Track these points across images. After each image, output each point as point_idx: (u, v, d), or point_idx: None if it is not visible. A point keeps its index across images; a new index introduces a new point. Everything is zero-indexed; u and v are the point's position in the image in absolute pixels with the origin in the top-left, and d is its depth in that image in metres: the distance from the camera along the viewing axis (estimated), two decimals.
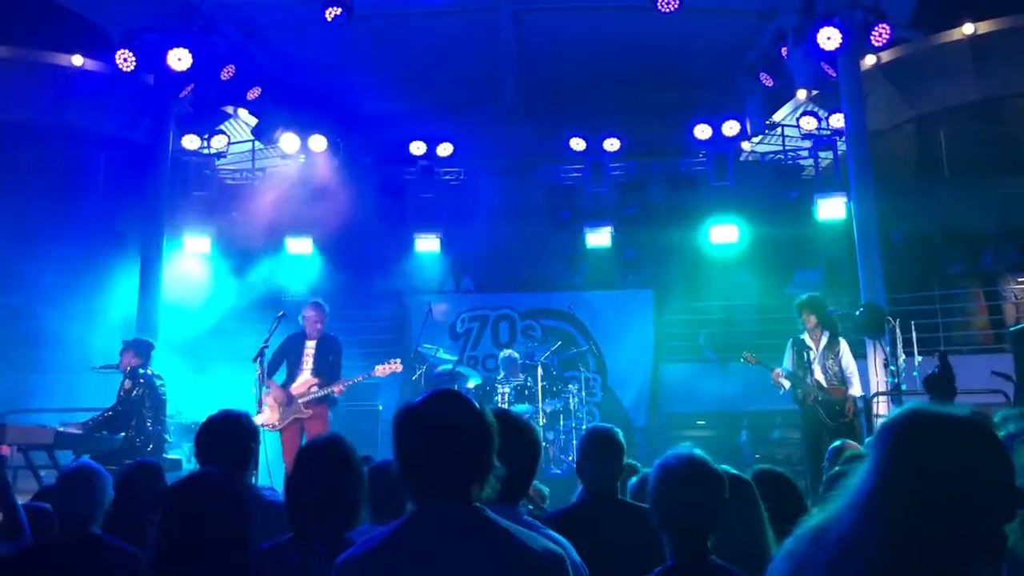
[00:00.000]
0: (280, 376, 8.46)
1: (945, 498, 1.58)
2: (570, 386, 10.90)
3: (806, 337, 8.34)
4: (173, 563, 2.62)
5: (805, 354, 8.25)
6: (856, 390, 8.20)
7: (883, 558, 1.59)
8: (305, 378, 8.35)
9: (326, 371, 8.31)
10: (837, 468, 4.09)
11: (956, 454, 1.61)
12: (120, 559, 3.58)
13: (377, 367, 8.47)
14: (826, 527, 1.69)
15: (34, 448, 7.70)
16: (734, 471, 3.04)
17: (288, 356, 8.45)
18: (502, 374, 10.72)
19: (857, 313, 9.82)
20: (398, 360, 8.62)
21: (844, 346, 8.31)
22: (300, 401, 8.25)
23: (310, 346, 8.44)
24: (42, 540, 3.76)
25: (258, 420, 7.74)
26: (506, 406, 10.01)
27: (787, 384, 8.26)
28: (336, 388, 8.30)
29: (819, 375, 8.17)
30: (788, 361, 8.34)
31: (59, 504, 3.76)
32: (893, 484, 1.62)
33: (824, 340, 8.24)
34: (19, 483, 9.29)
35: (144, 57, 10.50)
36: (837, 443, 5.84)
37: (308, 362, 8.40)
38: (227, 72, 11.25)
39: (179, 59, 10.36)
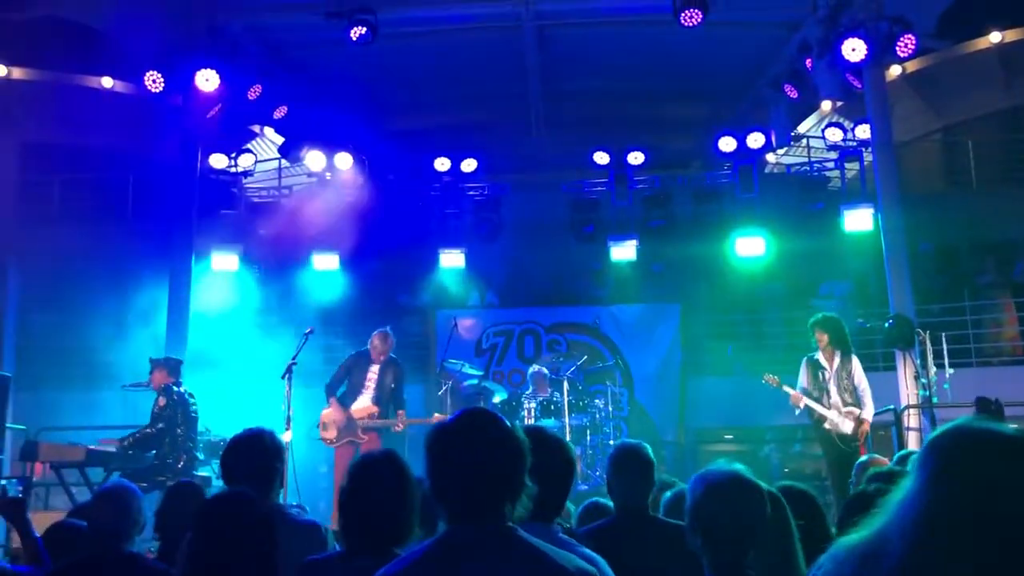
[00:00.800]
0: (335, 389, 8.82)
1: (1000, 516, 1.55)
2: (596, 400, 10.86)
3: (820, 356, 8.37)
4: None
5: (820, 374, 8.28)
6: (868, 412, 8.19)
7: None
8: (365, 404, 8.66)
9: (385, 398, 8.62)
10: (862, 486, 4.04)
11: (1009, 470, 1.58)
12: None
13: (436, 415, 8.83)
14: (875, 549, 1.66)
15: (66, 466, 7.79)
16: (766, 486, 3.02)
17: (352, 374, 8.77)
18: (529, 389, 10.71)
19: (886, 325, 9.74)
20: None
21: (856, 364, 8.33)
22: (359, 426, 8.56)
23: (374, 369, 8.76)
24: (77, 559, 3.80)
25: (284, 437, 7.81)
26: (532, 421, 9.99)
27: (803, 405, 8.29)
28: (396, 426, 8.57)
29: (835, 395, 8.19)
30: (803, 380, 8.38)
31: (94, 522, 3.80)
32: (947, 503, 1.59)
33: (837, 359, 8.26)
34: (51, 500, 9.43)
35: (172, 78, 10.64)
36: (863, 458, 5.79)
37: (370, 386, 8.70)
38: (254, 92, 11.36)
39: (207, 80, 10.49)
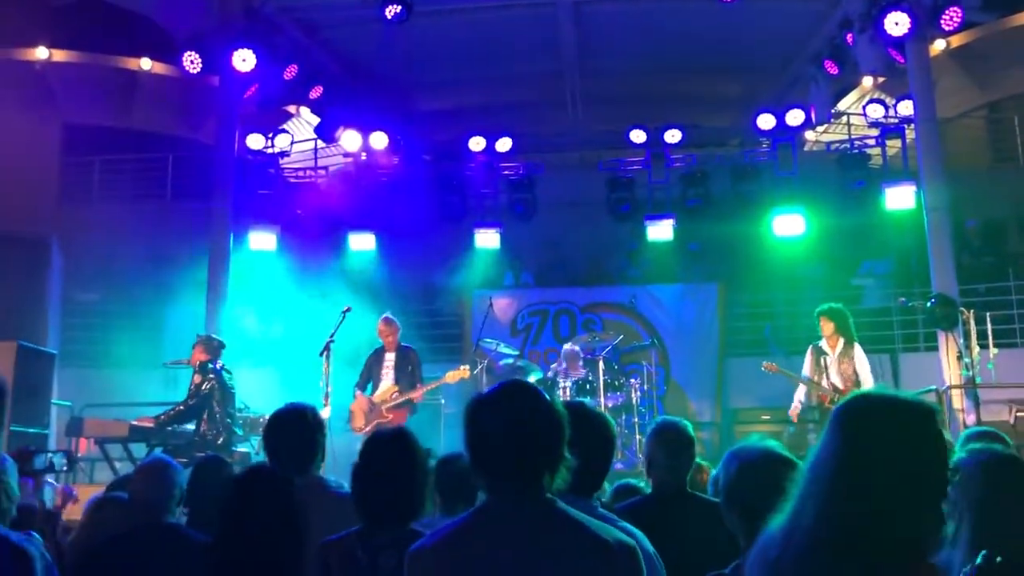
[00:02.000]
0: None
1: (889, 475, 1.68)
2: (631, 380, 10.82)
3: (823, 344, 8.79)
4: (231, 553, 2.67)
5: (822, 359, 8.75)
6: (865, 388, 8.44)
7: (836, 539, 1.69)
8: (387, 386, 8.93)
9: (405, 381, 8.89)
10: None
11: (898, 433, 1.72)
12: (194, 548, 3.69)
13: (448, 373, 9.05)
14: (792, 523, 1.78)
15: (110, 441, 7.95)
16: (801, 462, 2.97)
17: (372, 369, 9.06)
18: (563, 366, 10.70)
19: (928, 305, 9.58)
20: (467, 367, 9.24)
21: (858, 351, 8.77)
22: (383, 408, 8.80)
23: (389, 358, 9.05)
24: (119, 533, 3.88)
25: (323, 414, 7.90)
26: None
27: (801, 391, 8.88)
28: (415, 395, 8.86)
29: (835, 378, 8.63)
30: (806, 367, 8.86)
31: (134, 495, 3.89)
32: (844, 465, 1.73)
33: (840, 346, 8.67)
34: (96, 474, 9.63)
35: (209, 59, 10.69)
36: None
37: (388, 373, 9.00)
38: (289, 72, 11.40)
39: (243, 60, 10.52)
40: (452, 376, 9.00)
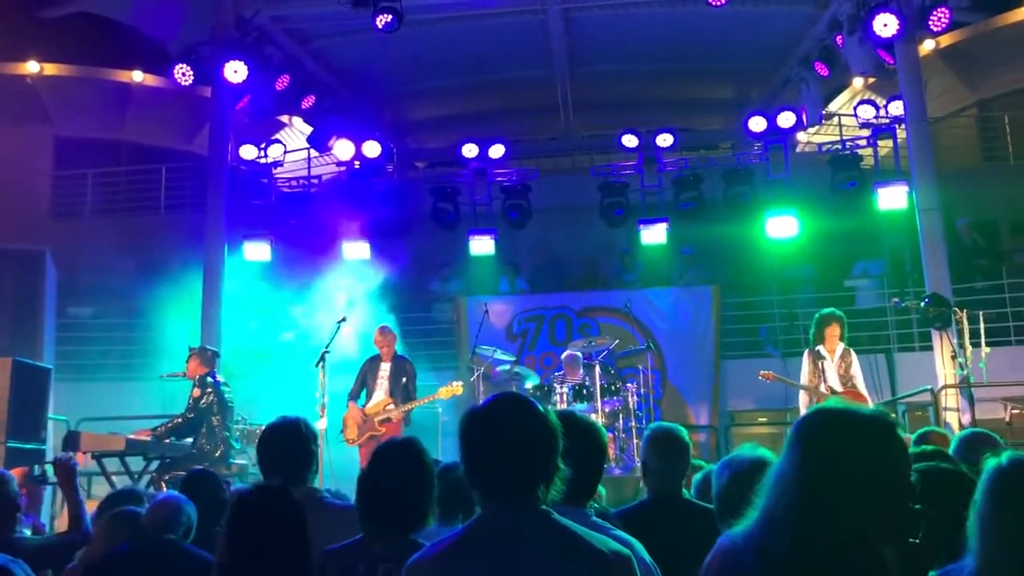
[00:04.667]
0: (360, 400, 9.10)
1: (841, 484, 1.76)
2: (628, 384, 10.83)
3: (821, 348, 8.89)
4: (238, 566, 2.67)
5: (820, 363, 8.84)
6: (862, 390, 8.81)
7: (792, 545, 1.78)
8: (380, 398, 8.93)
9: (399, 394, 8.90)
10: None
11: (856, 445, 1.80)
12: (193, 561, 3.74)
13: (441, 389, 9.03)
14: (763, 533, 1.86)
15: (107, 455, 7.94)
16: None
17: (366, 378, 9.06)
18: (562, 372, 10.71)
19: (922, 304, 9.62)
20: (460, 383, 9.24)
21: (854, 356, 8.90)
22: (376, 420, 8.78)
23: (384, 368, 9.05)
24: (123, 547, 3.93)
25: (319, 425, 7.93)
26: (564, 406, 9.99)
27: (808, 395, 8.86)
28: (406, 409, 8.85)
29: (832, 380, 8.72)
30: (804, 372, 8.94)
31: (145, 521, 3.95)
32: (802, 476, 1.80)
33: (839, 350, 8.81)
34: (93, 489, 9.60)
35: (201, 71, 10.73)
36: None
37: (383, 384, 8.99)
38: (281, 82, 11.43)
39: (235, 71, 10.55)
40: (445, 392, 8.98)
